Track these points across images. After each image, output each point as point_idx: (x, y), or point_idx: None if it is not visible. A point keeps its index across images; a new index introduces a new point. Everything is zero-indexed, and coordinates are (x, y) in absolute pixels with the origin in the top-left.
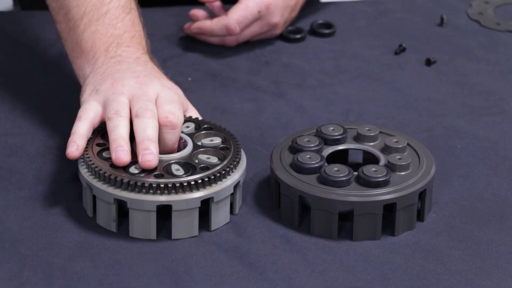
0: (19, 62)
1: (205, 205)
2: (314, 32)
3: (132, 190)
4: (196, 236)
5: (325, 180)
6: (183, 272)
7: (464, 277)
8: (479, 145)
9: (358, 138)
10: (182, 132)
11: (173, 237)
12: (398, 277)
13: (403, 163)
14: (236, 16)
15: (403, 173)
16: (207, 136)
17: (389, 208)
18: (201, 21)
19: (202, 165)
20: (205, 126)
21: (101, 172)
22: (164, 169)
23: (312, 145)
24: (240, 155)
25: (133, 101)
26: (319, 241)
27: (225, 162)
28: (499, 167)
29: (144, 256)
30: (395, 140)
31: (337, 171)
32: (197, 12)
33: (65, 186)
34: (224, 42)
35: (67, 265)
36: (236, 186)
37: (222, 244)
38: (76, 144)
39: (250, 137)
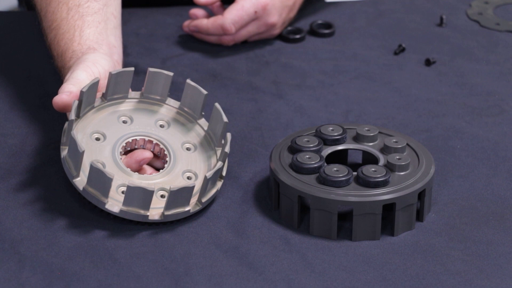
0: (21, 62)
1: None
2: (313, 32)
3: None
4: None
5: (324, 180)
6: (182, 273)
7: (464, 277)
8: (479, 145)
9: (357, 138)
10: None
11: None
12: (398, 278)
13: (402, 163)
14: (231, 16)
15: (402, 173)
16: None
17: (389, 208)
18: (198, 20)
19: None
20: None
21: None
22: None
23: (312, 145)
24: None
25: None
26: (319, 242)
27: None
28: (499, 168)
29: (144, 256)
30: (394, 140)
31: (337, 171)
32: (197, 11)
33: (65, 187)
34: (221, 41)
35: (66, 266)
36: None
37: (222, 244)
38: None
39: (249, 137)
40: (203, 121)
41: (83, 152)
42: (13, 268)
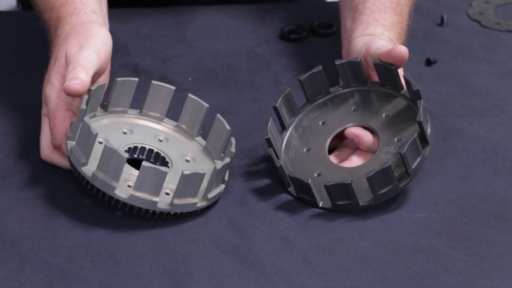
0: (21, 62)
1: None
2: (314, 32)
3: None
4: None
5: None
6: (183, 273)
7: (465, 278)
8: (479, 145)
9: None
10: None
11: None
12: (398, 278)
13: None
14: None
15: None
16: None
17: None
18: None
19: None
20: None
21: None
22: None
23: None
24: None
25: None
26: (319, 242)
27: None
28: (500, 168)
29: (145, 256)
30: None
31: None
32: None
33: (65, 187)
34: None
35: (67, 266)
36: None
37: (223, 244)
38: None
39: (250, 138)
40: (200, 139)
41: (96, 134)
42: (14, 268)
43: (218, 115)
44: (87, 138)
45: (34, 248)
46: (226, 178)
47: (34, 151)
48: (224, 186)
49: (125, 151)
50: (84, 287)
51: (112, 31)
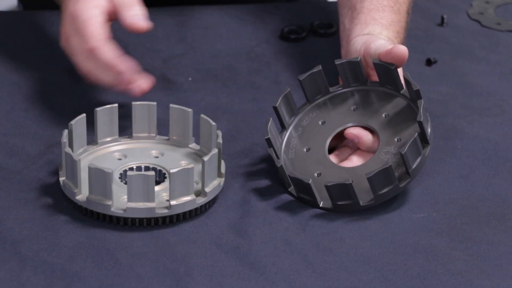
0: (21, 62)
1: None
2: (314, 32)
3: None
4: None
5: None
6: (183, 273)
7: (465, 278)
8: (479, 145)
9: None
10: None
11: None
12: (399, 278)
13: None
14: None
15: None
16: None
17: None
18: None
19: None
20: None
21: None
22: None
23: None
24: None
25: None
26: (320, 242)
27: None
28: (500, 168)
29: (145, 256)
30: None
31: None
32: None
33: None
34: None
35: (67, 266)
36: None
37: (223, 244)
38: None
39: (250, 138)
40: (194, 145)
41: (79, 160)
42: (14, 268)
43: (202, 115)
44: (72, 167)
45: (34, 248)
46: (223, 171)
47: (34, 151)
48: (222, 179)
49: (121, 173)
50: (84, 287)
51: (112, 30)
